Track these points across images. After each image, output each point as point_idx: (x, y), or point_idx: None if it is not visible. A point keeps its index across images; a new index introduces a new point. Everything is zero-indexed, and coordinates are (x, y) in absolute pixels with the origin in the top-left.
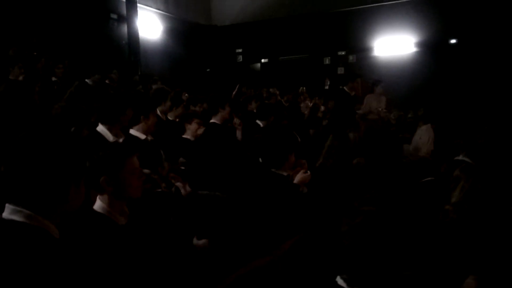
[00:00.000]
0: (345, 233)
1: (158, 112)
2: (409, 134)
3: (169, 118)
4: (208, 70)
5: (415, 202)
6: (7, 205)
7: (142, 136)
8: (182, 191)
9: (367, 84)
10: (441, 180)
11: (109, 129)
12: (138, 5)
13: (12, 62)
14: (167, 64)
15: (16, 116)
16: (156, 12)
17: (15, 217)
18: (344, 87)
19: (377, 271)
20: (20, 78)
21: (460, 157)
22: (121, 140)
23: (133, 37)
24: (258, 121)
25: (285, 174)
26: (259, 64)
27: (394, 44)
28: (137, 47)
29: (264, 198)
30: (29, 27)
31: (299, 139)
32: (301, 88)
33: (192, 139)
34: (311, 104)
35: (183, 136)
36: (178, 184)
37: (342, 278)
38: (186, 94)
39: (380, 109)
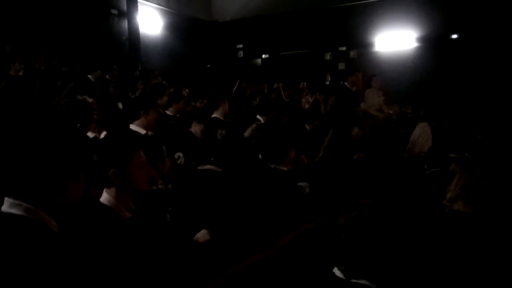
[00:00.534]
0: (342, 226)
1: None
2: (409, 130)
3: (169, 113)
4: (208, 65)
5: (415, 195)
6: (6, 198)
7: (143, 131)
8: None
9: (367, 79)
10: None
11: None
12: (139, 0)
13: (10, 58)
14: (167, 60)
15: (16, 111)
16: (157, 8)
17: (14, 211)
18: (345, 83)
19: (374, 263)
20: (21, 73)
21: (452, 155)
22: (102, 135)
23: (133, 33)
24: (258, 116)
25: (285, 169)
26: (260, 60)
27: (395, 40)
28: (138, 43)
29: (264, 193)
30: (29, 23)
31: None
32: (302, 83)
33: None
34: (312, 99)
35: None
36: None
37: (339, 269)
38: (187, 90)
39: (380, 104)
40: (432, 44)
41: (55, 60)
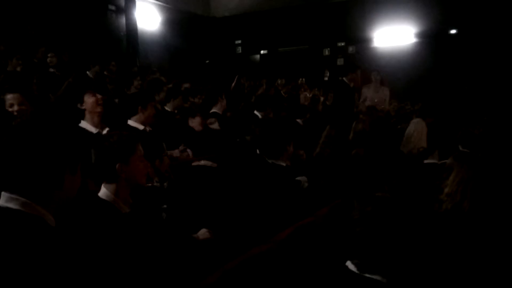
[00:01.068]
0: (357, 220)
1: None
2: (407, 125)
3: (167, 109)
4: (207, 61)
5: (413, 191)
6: (3, 193)
7: (141, 127)
8: None
9: (367, 75)
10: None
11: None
12: None
13: (7, 55)
14: (165, 56)
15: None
16: (155, 3)
17: (11, 205)
18: (344, 78)
19: (389, 258)
20: (18, 69)
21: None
22: (105, 131)
23: (131, 29)
24: (256, 112)
25: (283, 164)
26: (258, 56)
27: (394, 35)
28: (136, 39)
29: (262, 188)
30: (27, 19)
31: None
32: (301, 79)
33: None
34: (310, 95)
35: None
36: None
37: (353, 263)
38: (186, 85)
39: (376, 100)
40: (431, 39)
41: (65, 53)
